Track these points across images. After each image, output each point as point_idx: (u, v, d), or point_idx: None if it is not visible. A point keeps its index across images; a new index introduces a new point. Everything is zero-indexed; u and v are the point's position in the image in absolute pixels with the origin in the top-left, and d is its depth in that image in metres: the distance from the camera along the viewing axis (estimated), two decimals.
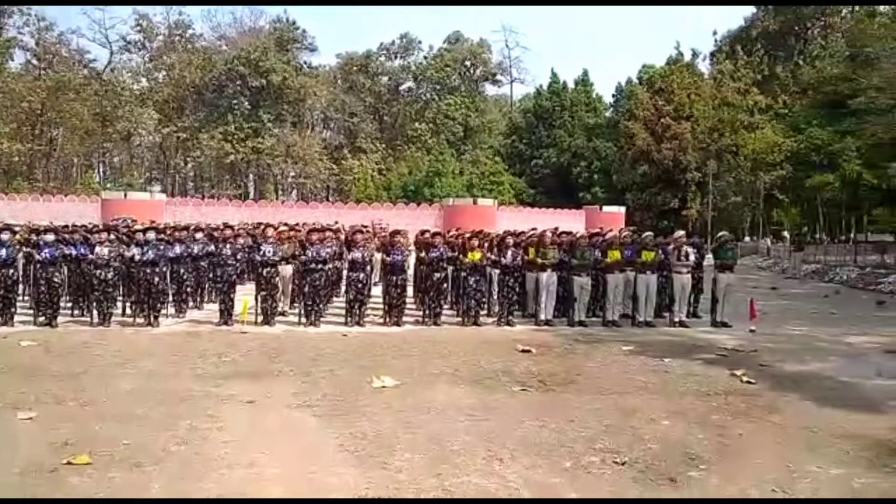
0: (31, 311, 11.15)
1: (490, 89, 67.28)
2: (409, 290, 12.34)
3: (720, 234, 13.03)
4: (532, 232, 13.50)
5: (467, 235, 12.80)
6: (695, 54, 55.38)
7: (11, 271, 10.87)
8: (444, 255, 11.68)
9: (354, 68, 59.78)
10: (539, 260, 11.59)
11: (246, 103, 53.90)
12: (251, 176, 58.45)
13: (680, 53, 53.31)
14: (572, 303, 11.66)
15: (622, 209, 46.16)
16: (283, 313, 11.83)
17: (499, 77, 66.05)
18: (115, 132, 51.96)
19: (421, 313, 11.93)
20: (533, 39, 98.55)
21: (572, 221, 38.82)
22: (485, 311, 12.13)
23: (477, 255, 11.51)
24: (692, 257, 12.18)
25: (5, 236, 11.22)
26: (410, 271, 12.54)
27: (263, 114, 53.15)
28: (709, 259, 13.25)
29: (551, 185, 54.92)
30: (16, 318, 10.79)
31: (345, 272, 12.60)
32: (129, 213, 30.55)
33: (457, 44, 60.77)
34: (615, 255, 11.80)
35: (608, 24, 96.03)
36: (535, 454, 5.08)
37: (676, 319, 11.87)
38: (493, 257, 12.05)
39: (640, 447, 5.29)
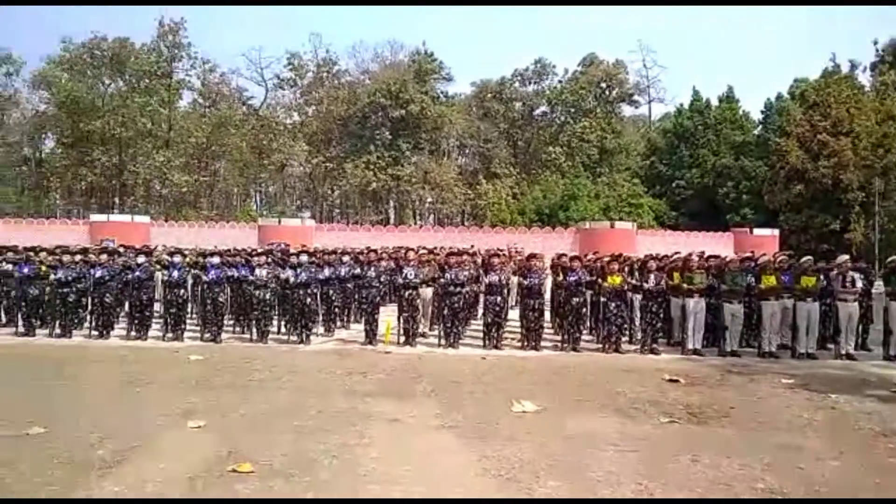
0: (198, 328, 12.20)
1: (627, 110, 65.75)
2: (547, 315, 12.21)
3: (891, 258, 11.77)
4: (676, 255, 12.94)
5: (606, 259, 12.49)
6: (853, 66, 50.98)
7: (182, 291, 12.00)
8: (583, 280, 11.45)
9: (489, 95, 60.73)
10: (685, 285, 11.06)
11: (387, 133, 56.31)
12: (391, 202, 60.77)
13: (836, 65, 49.33)
14: (723, 331, 10.97)
15: (775, 232, 43.10)
16: (423, 335, 12.10)
17: (636, 97, 64.44)
18: (270, 163, 56.12)
19: (559, 338, 11.75)
20: (672, 57, 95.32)
21: (719, 245, 36.81)
22: (626, 338, 11.72)
23: (617, 280, 11.18)
24: (859, 284, 11.11)
25: (177, 259, 12.44)
26: (547, 295, 12.41)
27: (403, 143, 55.24)
28: (878, 286, 12.01)
29: (695, 206, 52.43)
30: (185, 334, 11.85)
31: (482, 295, 12.71)
32: (283, 238, 32.89)
33: (591, 66, 60.07)
34: (770, 280, 11.00)
35: (752, 38, 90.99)
36: (689, 491, 4.80)
37: (843, 352, 10.83)
38: (634, 282, 11.66)
39: (806, 489, 4.85)
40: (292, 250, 17.30)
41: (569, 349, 11.13)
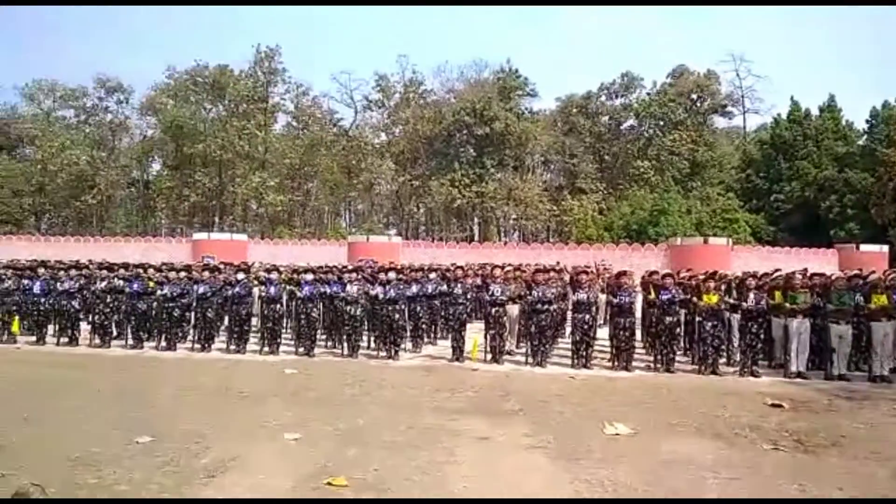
0: (293, 342, 12.62)
1: (720, 122, 63.34)
2: (637, 334, 11.88)
3: None
4: (776, 273, 12.33)
5: (702, 277, 12.05)
6: None
7: (278, 306, 12.48)
8: (677, 298, 11.08)
9: (574, 110, 60.10)
10: (788, 304, 10.50)
11: (471, 151, 56.72)
12: (475, 219, 61.02)
13: None
14: (829, 354, 10.33)
15: (884, 248, 40.28)
16: (510, 352, 12.03)
17: (729, 108, 62.03)
18: (359, 182, 57.66)
19: (652, 358, 11.40)
20: (767, 67, 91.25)
21: (822, 262, 34.76)
22: (724, 360, 11.23)
23: (714, 298, 10.76)
24: None
25: (273, 276, 12.97)
26: (638, 314, 12.08)
27: (487, 160, 55.45)
28: None
29: (795, 221, 49.75)
30: (281, 348, 12.28)
31: (569, 313, 12.52)
32: (371, 254, 33.58)
33: (681, 77, 58.40)
34: (881, 300, 10.28)
35: (854, 44, 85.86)
36: None
37: None
38: (732, 301, 11.19)
39: None
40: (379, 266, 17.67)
41: (662, 370, 10.77)
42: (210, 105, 56.24)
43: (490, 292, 11.67)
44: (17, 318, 13.29)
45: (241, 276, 13.12)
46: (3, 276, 14.05)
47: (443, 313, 13.56)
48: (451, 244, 45.80)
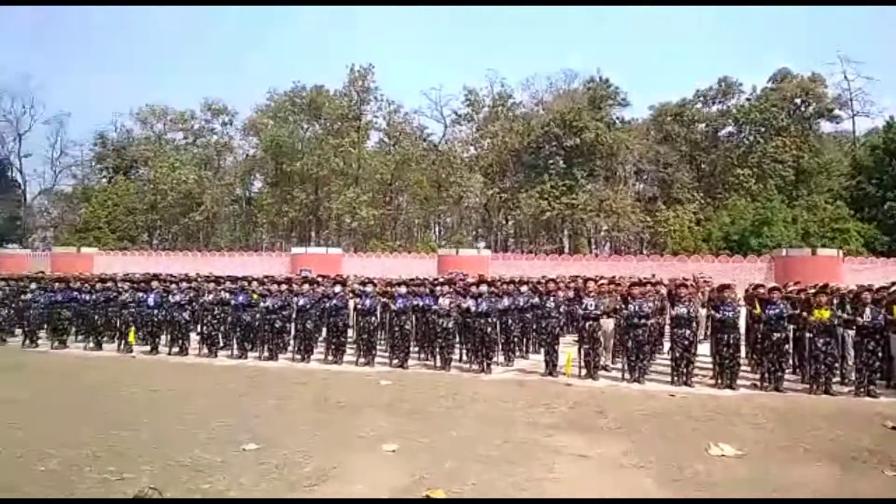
0: (387, 354, 12.85)
1: (826, 126, 59.64)
2: (742, 350, 11.33)
3: None
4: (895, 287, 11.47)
5: (812, 290, 11.37)
6: None
7: (373, 319, 12.76)
8: (785, 313, 10.50)
9: (668, 118, 58.31)
10: None
11: (560, 162, 56.13)
12: (566, 231, 60.22)
13: None
14: None
15: None
16: (605, 367, 11.76)
17: (837, 112, 58.37)
18: (448, 196, 58.23)
19: (758, 376, 10.83)
20: (878, 68, 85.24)
21: None
22: (837, 378, 10.52)
23: (826, 314, 10.12)
24: None
25: (369, 289, 13.28)
26: (742, 329, 11.52)
27: (577, 171, 54.66)
28: None
29: None
30: (376, 359, 12.53)
31: (667, 328, 12.12)
32: (460, 267, 33.75)
33: (784, 81, 55.53)
34: None
35: None
36: None
37: None
38: (846, 316, 10.49)
39: None
40: (469, 279, 17.75)
41: (769, 388, 10.22)
42: (307, 124, 58.47)
43: (584, 306, 11.46)
44: (133, 328, 14.21)
45: (337, 288, 13.51)
46: (121, 290, 15.09)
47: (534, 327, 13.45)
48: (541, 256, 45.39)
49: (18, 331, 15.34)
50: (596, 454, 6.48)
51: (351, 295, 14.36)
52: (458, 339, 12.83)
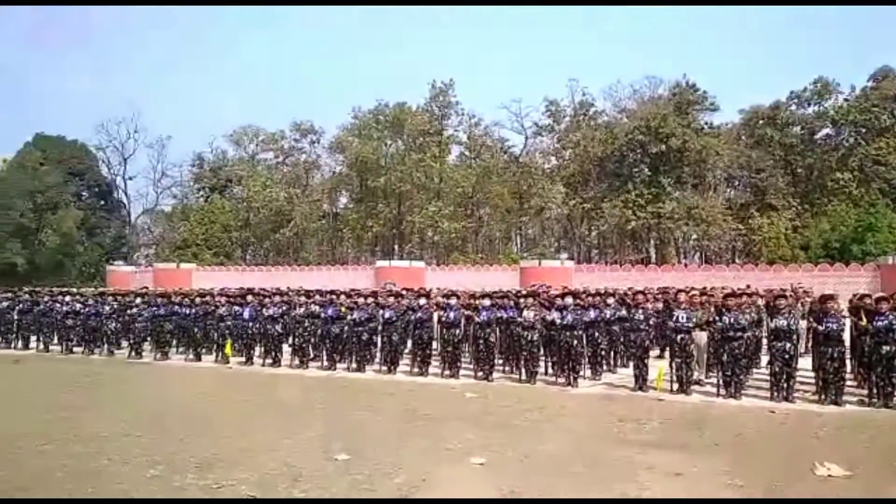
0: (472, 366, 12.86)
1: None
2: (847, 364, 10.63)
3: None
4: None
5: None
6: None
7: (457, 331, 12.79)
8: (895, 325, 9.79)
9: (760, 121, 55.86)
10: None
11: (646, 170, 54.78)
12: (652, 240, 58.61)
13: None
14: None
15: None
16: (698, 382, 11.31)
17: None
18: (530, 207, 57.92)
19: (866, 392, 10.13)
20: None
21: None
22: None
23: None
24: None
25: (453, 301, 13.33)
26: (847, 342, 10.81)
27: (663, 178, 53.17)
28: None
29: None
30: (461, 371, 12.56)
31: (765, 340, 11.54)
32: (543, 279, 33.41)
33: (885, 80, 52.14)
34: None
35: None
36: None
37: None
38: None
39: None
40: (553, 291, 17.54)
41: (879, 405, 9.54)
42: (390, 140, 59.71)
43: (675, 318, 11.08)
44: (229, 341, 14.85)
45: (422, 301, 13.67)
46: (218, 304, 15.80)
47: (622, 340, 13.12)
48: (627, 267, 44.30)
49: (125, 343, 16.31)
50: (692, 472, 6.22)
51: (435, 307, 14.48)
52: (542, 352, 12.68)
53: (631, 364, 11.91)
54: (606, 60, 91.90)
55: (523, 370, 12.08)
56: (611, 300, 13.61)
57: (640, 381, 11.04)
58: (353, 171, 59.56)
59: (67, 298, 17.60)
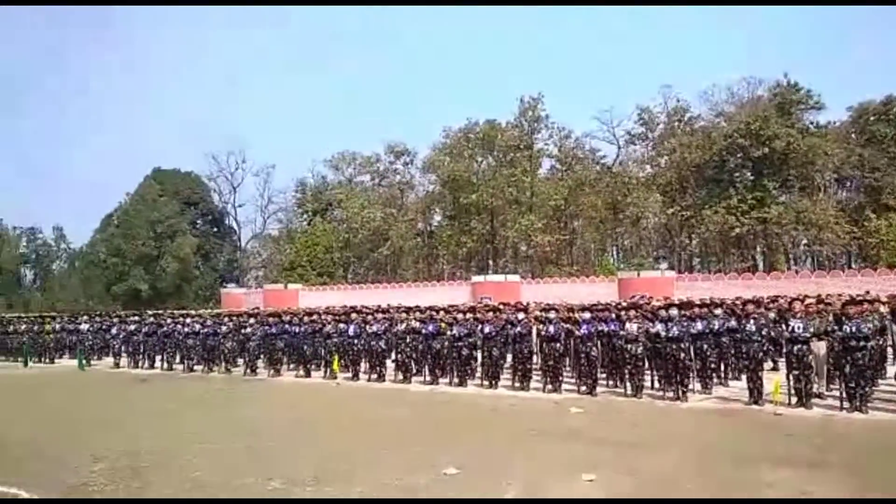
0: (574, 381, 12.74)
1: None
2: None
3: None
4: None
5: None
6: None
7: (557, 345, 12.69)
8: None
9: (871, 118, 52.24)
10: None
11: (748, 174, 52.41)
12: (758, 247, 55.85)
13: None
14: None
15: None
16: (819, 395, 10.71)
17: None
18: (625, 217, 56.67)
19: None
20: None
21: None
22: None
23: None
24: None
25: (552, 315, 13.27)
26: None
27: (768, 182, 50.65)
28: None
29: None
30: (563, 386, 12.47)
31: (890, 350, 10.79)
32: (642, 290, 32.59)
33: None
34: None
35: None
36: None
37: None
38: None
39: None
40: (655, 302, 17.09)
41: None
42: (481, 157, 60.12)
43: (790, 328, 10.56)
44: (336, 357, 15.40)
45: (520, 315, 13.70)
46: (325, 322, 16.44)
47: (732, 351, 12.63)
48: (732, 276, 42.36)
49: (241, 361, 17.24)
50: (818, 492, 5.93)
51: (534, 321, 14.46)
52: (647, 366, 12.39)
53: (744, 377, 11.44)
54: (700, 64, 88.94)
55: (628, 384, 11.85)
56: (718, 310, 13.12)
57: (755, 394, 10.59)
58: (446, 189, 60.36)
59: (188, 320, 18.82)
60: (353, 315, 16.13)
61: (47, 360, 21.52)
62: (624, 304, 17.88)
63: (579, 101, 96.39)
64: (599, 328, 12.56)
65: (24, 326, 23.43)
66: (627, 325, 11.99)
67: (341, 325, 15.56)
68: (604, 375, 13.03)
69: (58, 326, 22.70)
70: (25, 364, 20.83)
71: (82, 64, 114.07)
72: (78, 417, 11.17)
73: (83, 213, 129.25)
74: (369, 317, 15.66)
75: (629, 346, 11.71)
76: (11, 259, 73.49)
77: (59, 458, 7.85)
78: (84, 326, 22.02)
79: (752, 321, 11.39)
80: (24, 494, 5.75)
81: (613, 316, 13.00)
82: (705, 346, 11.90)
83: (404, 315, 15.55)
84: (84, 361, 19.78)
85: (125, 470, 7.14)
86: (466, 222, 58.75)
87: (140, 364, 19.21)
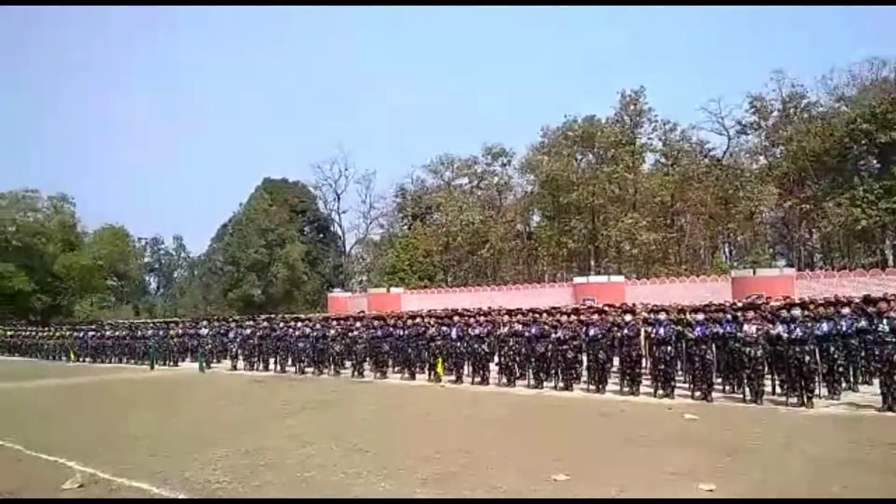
0: (686, 386, 12.18)
1: None
2: None
3: None
4: None
5: None
6: None
7: (669, 348, 12.18)
8: None
9: None
10: None
11: (874, 162, 48.52)
12: (887, 241, 51.51)
13: None
14: None
15: None
16: None
17: None
18: (738, 212, 53.78)
19: None
20: None
21: None
22: None
23: None
24: None
25: (662, 316, 12.75)
26: None
27: None
28: None
29: None
30: (675, 391, 11.95)
31: None
32: (759, 289, 30.84)
33: None
34: None
35: None
36: None
37: None
38: None
39: None
40: (774, 302, 16.09)
41: None
42: (580, 155, 59.08)
43: None
44: (440, 359, 15.52)
45: (627, 317, 13.27)
46: (428, 325, 16.62)
47: (863, 354, 11.67)
48: (858, 272, 39.20)
49: (348, 363, 17.72)
50: None
51: (642, 323, 13.97)
52: (767, 370, 11.67)
53: (876, 381, 10.53)
54: (816, 48, 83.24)
55: (747, 389, 11.20)
56: (846, 310, 12.18)
57: (890, 400, 9.74)
58: (545, 189, 59.72)
59: (299, 324, 19.60)
60: (456, 318, 16.21)
61: (171, 363, 23.02)
62: (739, 304, 16.94)
63: (684, 93, 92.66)
64: (714, 330, 11.96)
65: (150, 331, 25.20)
66: (745, 326, 11.35)
67: (444, 328, 15.67)
68: (719, 380, 12.40)
69: (180, 331, 24.25)
70: (152, 367, 22.37)
71: (195, 81, 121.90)
72: (201, 417, 11.86)
73: (201, 223, 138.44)
74: (471, 319, 15.68)
75: (747, 348, 11.07)
76: (138, 268, 79.41)
77: (185, 454, 8.32)
78: (204, 331, 23.39)
79: (885, 321, 10.45)
80: (167, 494, 6.05)
81: (729, 317, 12.34)
82: (832, 349, 11.09)
83: (506, 317, 15.45)
84: (204, 364, 21.02)
85: (244, 468, 7.47)
86: (566, 222, 57.86)
87: (255, 366, 20.18)
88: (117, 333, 26.53)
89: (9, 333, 34.41)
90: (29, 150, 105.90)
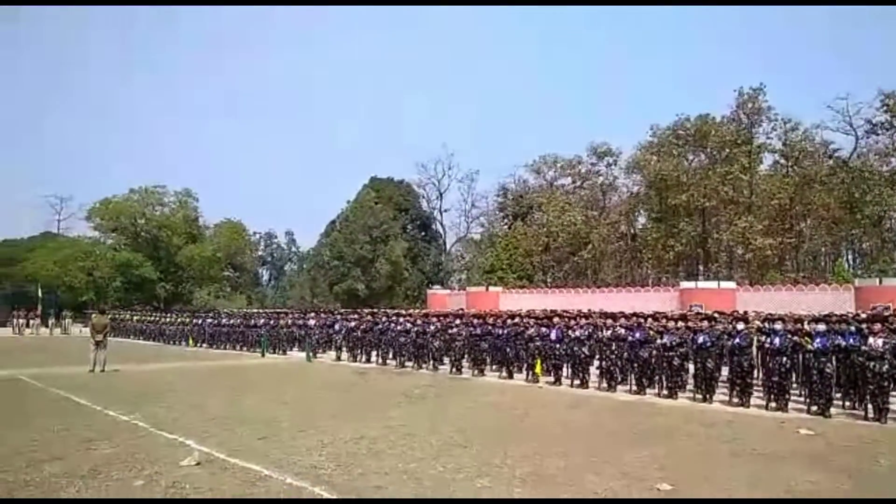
0: (802, 399, 11.48)
1: None
2: None
3: None
4: None
5: None
6: None
7: (784, 359, 11.50)
8: None
9: None
10: None
11: None
12: None
13: None
14: None
15: None
16: None
17: None
18: (864, 217, 49.90)
19: None
20: None
21: None
22: None
23: None
24: None
25: (777, 326, 12.08)
26: None
27: None
28: None
29: None
30: (789, 405, 11.28)
31: None
32: (886, 300, 28.55)
33: None
34: None
35: None
36: None
37: None
38: None
39: None
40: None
41: None
42: (692, 155, 56.81)
43: None
44: (539, 360, 15.42)
45: (740, 326, 12.66)
46: (527, 325, 16.55)
47: None
48: None
49: (447, 360, 17.93)
50: None
51: (756, 332, 13.29)
52: (894, 387, 10.81)
53: None
54: None
55: (870, 406, 10.42)
56: None
57: None
58: (652, 189, 57.87)
59: (400, 319, 20.03)
60: (556, 319, 16.05)
61: (280, 352, 24.14)
62: (864, 315, 15.76)
63: (807, 91, 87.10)
64: (837, 342, 11.20)
65: (262, 321, 26.54)
66: (870, 339, 10.56)
67: (543, 329, 15.55)
68: (838, 396, 11.61)
69: (290, 322, 25.39)
70: (263, 354, 23.56)
71: (312, 83, 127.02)
72: (306, 404, 12.37)
73: (312, 220, 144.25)
74: (572, 321, 15.47)
75: (872, 363, 10.31)
76: (252, 260, 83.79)
77: (291, 439, 8.73)
78: (311, 322, 24.36)
79: None
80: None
81: (853, 329, 11.51)
82: None
83: (609, 321, 15.12)
84: (311, 354, 21.91)
85: (347, 456, 7.74)
86: (674, 224, 55.77)
87: (358, 358, 20.81)
88: (232, 322, 28.10)
89: (136, 318, 37.24)
90: (162, 149, 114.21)
